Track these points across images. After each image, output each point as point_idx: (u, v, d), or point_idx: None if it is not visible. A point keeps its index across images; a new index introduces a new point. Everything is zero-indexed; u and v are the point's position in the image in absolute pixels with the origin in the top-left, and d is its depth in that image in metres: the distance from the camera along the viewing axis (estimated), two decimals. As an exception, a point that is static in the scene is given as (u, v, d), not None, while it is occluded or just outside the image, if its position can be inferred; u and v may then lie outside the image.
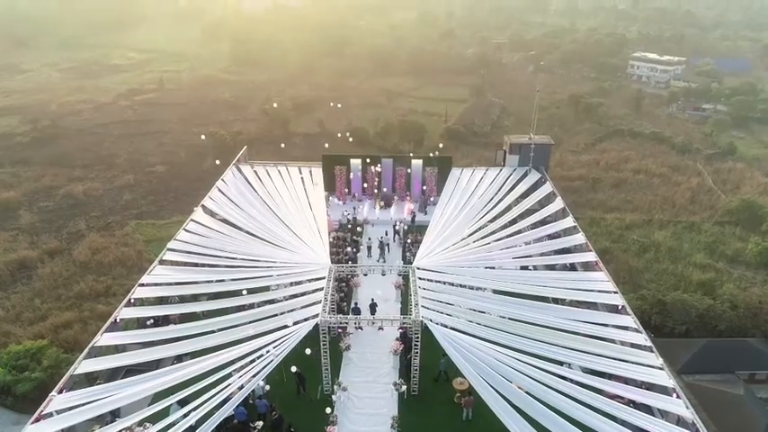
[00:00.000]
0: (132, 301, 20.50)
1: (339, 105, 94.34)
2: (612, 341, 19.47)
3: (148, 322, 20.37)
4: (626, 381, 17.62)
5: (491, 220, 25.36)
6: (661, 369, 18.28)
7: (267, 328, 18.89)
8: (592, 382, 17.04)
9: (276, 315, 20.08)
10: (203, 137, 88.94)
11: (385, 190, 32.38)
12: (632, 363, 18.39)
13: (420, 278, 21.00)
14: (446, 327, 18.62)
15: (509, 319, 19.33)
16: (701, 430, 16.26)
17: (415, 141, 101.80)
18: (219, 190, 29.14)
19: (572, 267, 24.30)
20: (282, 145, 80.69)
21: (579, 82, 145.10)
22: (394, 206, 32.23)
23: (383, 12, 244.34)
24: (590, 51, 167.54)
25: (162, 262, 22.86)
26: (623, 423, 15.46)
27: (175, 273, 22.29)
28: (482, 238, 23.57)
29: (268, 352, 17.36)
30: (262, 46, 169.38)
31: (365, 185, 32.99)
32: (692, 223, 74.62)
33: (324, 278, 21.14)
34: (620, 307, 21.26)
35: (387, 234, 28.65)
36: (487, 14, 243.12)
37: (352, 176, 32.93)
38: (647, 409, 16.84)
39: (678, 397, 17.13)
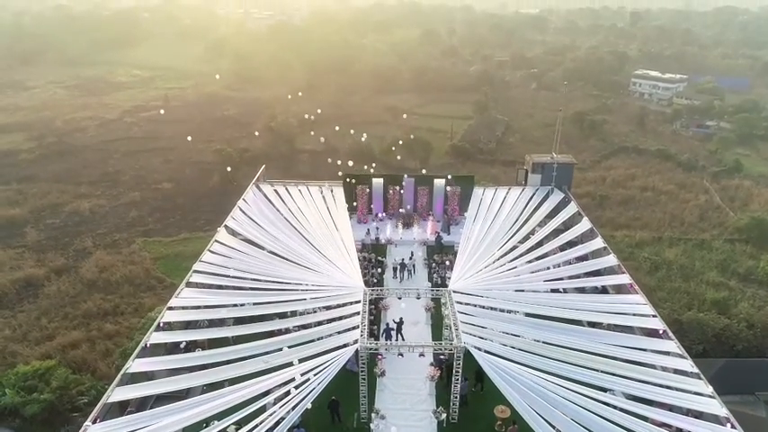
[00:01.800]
0: (161, 325, 20.02)
1: (337, 128, 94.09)
2: (654, 367, 19.00)
3: (182, 345, 19.85)
4: (670, 408, 17.11)
5: (520, 241, 25.06)
6: (712, 398, 17.79)
7: (304, 355, 18.44)
8: (637, 409, 16.57)
9: (314, 341, 19.61)
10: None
11: (405, 209, 32.06)
12: (679, 390, 17.92)
13: (458, 302, 20.60)
14: (489, 353, 18.17)
15: (546, 343, 18.91)
16: None
17: (421, 158, 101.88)
18: (241, 209, 28.81)
19: (603, 290, 23.91)
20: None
21: (582, 99, 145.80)
22: (416, 226, 31.89)
23: (385, 30, 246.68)
24: (592, 69, 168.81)
25: (189, 284, 22.43)
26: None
27: (204, 295, 21.83)
28: (511, 261, 23.19)
29: (309, 380, 16.85)
30: (265, 63, 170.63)
31: (387, 205, 32.70)
32: (703, 241, 74.30)
33: (359, 302, 20.74)
34: (661, 331, 20.83)
35: (412, 256, 28.22)
36: (488, 32, 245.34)
37: (372, 196, 32.68)
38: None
39: (734, 427, 16.59)
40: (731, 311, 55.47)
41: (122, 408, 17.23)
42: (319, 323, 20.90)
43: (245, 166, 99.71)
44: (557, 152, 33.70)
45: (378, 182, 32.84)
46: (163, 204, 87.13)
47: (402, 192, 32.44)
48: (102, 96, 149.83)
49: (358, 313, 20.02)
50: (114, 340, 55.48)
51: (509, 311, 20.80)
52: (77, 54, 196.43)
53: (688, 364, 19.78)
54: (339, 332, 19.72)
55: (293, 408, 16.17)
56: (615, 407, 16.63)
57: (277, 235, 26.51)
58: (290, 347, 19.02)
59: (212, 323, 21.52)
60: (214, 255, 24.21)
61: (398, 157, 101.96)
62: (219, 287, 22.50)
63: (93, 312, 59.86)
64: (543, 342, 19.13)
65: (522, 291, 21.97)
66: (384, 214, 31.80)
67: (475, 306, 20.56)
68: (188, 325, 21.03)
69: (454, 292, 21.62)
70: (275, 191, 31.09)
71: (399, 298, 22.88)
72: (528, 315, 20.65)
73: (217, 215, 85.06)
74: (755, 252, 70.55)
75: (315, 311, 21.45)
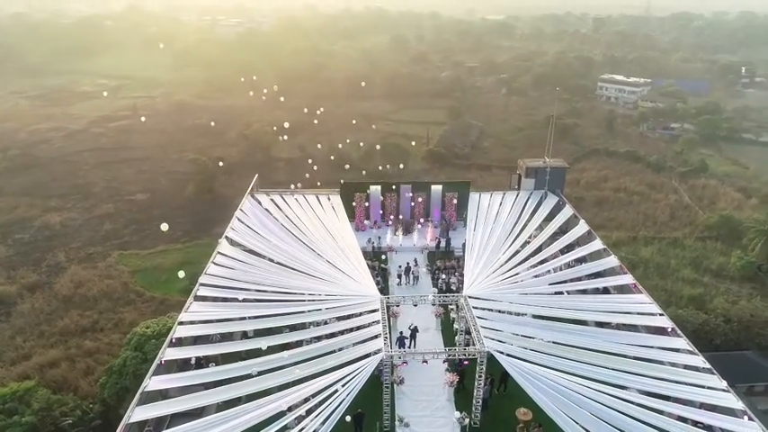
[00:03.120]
0: (173, 341, 19.53)
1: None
2: (665, 363, 19.59)
3: (192, 362, 19.37)
4: (684, 403, 17.66)
5: (522, 246, 25.46)
6: (727, 391, 18.49)
7: (326, 366, 18.23)
8: (655, 405, 17.03)
9: (334, 351, 19.40)
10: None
11: (401, 217, 32.17)
12: (693, 385, 18.55)
13: (474, 307, 20.77)
14: (512, 356, 18.42)
15: (561, 344, 19.27)
16: None
17: (398, 164, 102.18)
18: (239, 220, 28.38)
19: (605, 290, 24.47)
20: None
21: (552, 104, 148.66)
22: (416, 233, 32.04)
23: (354, 36, 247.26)
24: (560, 74, 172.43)
25: (197, 298, 21.93)
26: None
27: (214, 309, 21.36)
28: (516, 265, 23.55)
29: (336, 392, 16.66)
30: (236, 71, 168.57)
31: (383, 212, 32.76)
32: (676, 239, 76.64)
33: (377, 310, 20.68)
34: (669, 329, 21.47)
35: (416, 262, 28.33)
36: (456, 38, 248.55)
37: (370, 204, 32.68)
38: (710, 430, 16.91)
39: (750, 419, 17.27)
40: (707, 307, 57.27)
41: (140, 428, 16.70)
42: (340, 333, 20.72)
43: (221, 175, 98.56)
44: (549, 156, 34.48)
45: (375, 189, 32.93)
46: (138, 216, 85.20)
47: (399, 199, 32.63)
48: (67, 107, 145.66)
49: (378, 322, 19.97)
50: (95, 357, 53.89)
51: (518, 314, 21.08)
52: (39, 63, 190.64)
53: (700, 360, 20.45)
54: (361, 342, 19.64)
55: (325, 420, 15.97)
56: (634, 403, 17.08)
57: (281, 245, 26.17)
58: (311, 359, 18.82)
59: (224, 337, 21.12)
60: (219, 267, 23.74)
61: (380, 168, 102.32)
62: (229, 300, 22.05)
63: (71, 329, 58.08)
64: (558, 343, 19.50)
65: (533, 294, 22.26)
66: (383, 221, 31.79)
67: (491, 311, 20.79)
68: (196, 340, 20.52)
69: (469, 297, 21.80)
70: (272, 200, 30.76)
71: (415, 305, 22.90)
72: (536, 317, 20.98)
73: (195, 226, 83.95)
74: (725, 249, 73.16)
75: (326, 323, 21.25)
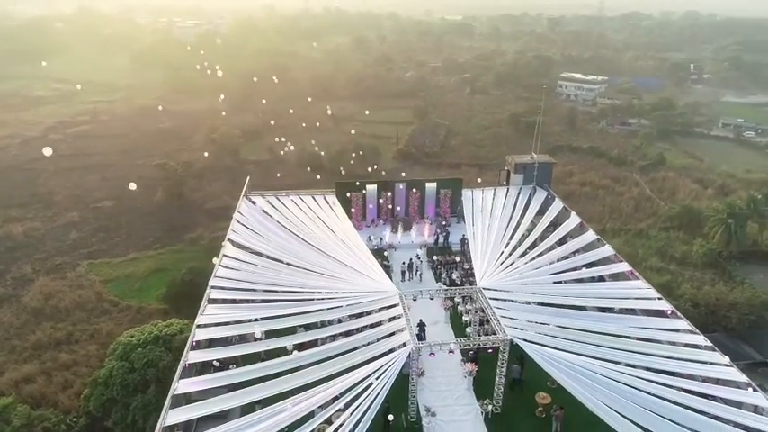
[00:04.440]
0: (194, 344, 19.43)
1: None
2: (668, 342, 20.87)
3: (215, 363, 19.29)
4: (690, 377, 18.94)
5: (520, 240, 26.39)
6: (730, 366, 19.84)
7: (355, 362, 18.50)
8: (664, 380, 18.19)
9: (362, 346, 19.64)
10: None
11: (399, 214, 32.69)
12: (697, 361, 19.87)
13: (491, 298, 21.48)
14: (533, 343, 19.20)
15: (572, 329, 20.27)
16: None
17: (371, 164, 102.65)
18: (239, 222, 28.23)
19: (600, 279, 25.68)
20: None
21: (514, 102, 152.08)
22: (413, 230, 32.61)
23: (315, 37, 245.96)
24: (520, 73, 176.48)
25: (211, 301, 21.79)
26: (710, 416, 16.63)
27: (229, 311, 21.27)
28: (520, 257, 24.45)
29: (371, 385, 16.93)
30: (198, 74, 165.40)
31: (380, 211, 33.23)
32: (641, 230, 79.79)
33: (397, 305, 21.09)
34: (669, 312, 22.76)
35: (419, 257, 28.94)
36: (417, 39, 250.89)
37: (367, 203, 33.07)
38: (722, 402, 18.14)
39: (755, 390, 18.65)
40: (676, 293, 59.92)
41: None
42: (364, 329, 21.02)
43: (190, 179, 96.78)
44: (537, 152, 35.66)
45: (371, 188, 33.37)
46: (106, 224, 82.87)
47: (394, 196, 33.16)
48: (21, 112, 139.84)
49: (400, 316, 20.40)
50: (73, 370, 52.30)
51: (528, 303, 21.93)
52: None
53: (701, 339, 21.79)
54: (386, 336, 19.99)
55: (364, 413, 16.22)
56: (645, 379, 18.13)
57: (287, 245, 26.18)
58: (339, 355, 19.07)
59: (243, 338, 21.11)
60: (228, 269, 23.63)
61: (346, 166, 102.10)
62: (243, 301, 21.99)
63: (45, 343, 56.12)
64: (569, 328, 20.48)
65: (537, 284, 23.15)
66: (379, 220, 32.23)
67: (504, 300, 21.57)
68: (211, 343, 20.32)
69: (484, 288, 22.50)
70: (268, 201, 30.74)
71: (431, 298, 23.54)
72: (543, 305, 21.88)
73: (166, 232, 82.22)
74: (688, 238, 76.63)
75: (349, 318, 21.50)
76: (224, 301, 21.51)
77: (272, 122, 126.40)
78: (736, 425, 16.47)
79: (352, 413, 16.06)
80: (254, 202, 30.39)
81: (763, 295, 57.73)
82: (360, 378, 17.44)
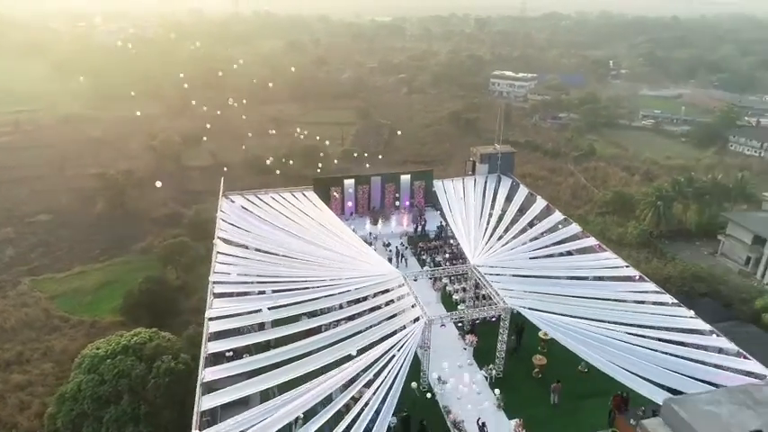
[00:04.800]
0: (210, 336, 19.79)
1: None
2: (643, 302, 23.54)
3: (227, 354, 19.67)
4: (663, 329, 21.69)
5: (496, 223, 28.35)
6: (696, 318, 22.57)
7: (376, 338, 19.57)
8: (643, 333, 20.72)
9: (377, 324, 20.63)
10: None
11: (373, 207, 33.91)
12: (668, 315, 22.53)
13: (486, 274, 23.13)
14: (533, 309, 21.03)
15: (560, 295, 22.40)
16: (743, 353, 20.64)
17: (317, 165, 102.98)
18: (224, 221, 28.38)
19: (569, 253, 28.10)
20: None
21: (451, 100, 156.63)
22: (392, 220, 33.92)
23: (248, 41, 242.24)
24: (454, 72, 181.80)
25: (217, 295, 22.03)
26: (684, 358, 19.15)
27: (237, 304, 21.59)
28: (498, 240, 26.38)
29: (394, 357, 17.93)
30: (127, 80, 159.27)
31: (356, 204, 34.33)
32: (580, 216, 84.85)
33: (403, 285, 22.26)
34: (636, 277, 25.42)
35: (403, 245, 30.25)
36: (351, 41, 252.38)
37: (345, 196, 34.05)
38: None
39: (718, 336, 21.51)
40: (617, 272, 64.55)
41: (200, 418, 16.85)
42: (375, 309, 22.00)
43: (131, 188, 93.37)
44: (499, 143, 38.01)
45: (349, 182, 34.43)
46: (45, 238, 78.84)
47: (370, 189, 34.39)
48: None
49: (408, 294, 21.59)
50: (29, 390, 49.94)
51: (515, 275, 23.82)
52: None
53: (668, 297, 24.55)
54: (396, 315, 21.11)
55: (390, 387, 17.18)
56: (629, 333, 20.47)
57: (279, 239, 26.66)
58: (357, 334, 20.05)
59: (254, 328, 21.56)
60: (225, 265, 23.88)
61: (292, 168, 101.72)
62: (247, 293, 22.35)
63: (-8, 365, 53.09)
64: (559, 295, 22.61)
65: (520, 260, 25.13)
66: (356, 212, 33.30)
67: (497, 275, 23.28)
68: (219, 335, 20.60)
69: (477, 266, 24.14)
70: (248, 200, 31.04)
71: (431, 278, 24.98)
72: (529, 277, 23.87)
73: (112, 243, 79.18)
74: (622, 221, 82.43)
75: (348, 305, 22.39)
76: (229, 294, 21.93)
77: (209, 126, 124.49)
78: (704, 363, 19.11)
79: (379, 386, 17.01)
80: (233, 201, 30.62)
81: (693, 268, 63.18)
82: (381, 353, 18.51)
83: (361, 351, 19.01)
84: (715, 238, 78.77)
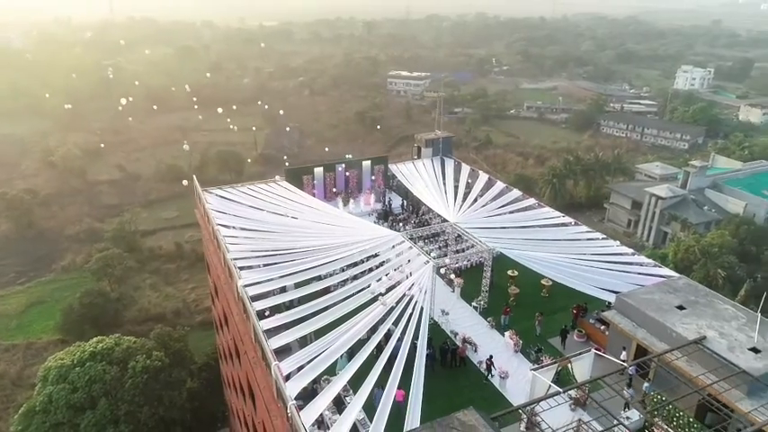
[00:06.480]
0: (251, 296, 22.54)
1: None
2: (579, 239, 30.08)
3: (266, 314, 22.45)
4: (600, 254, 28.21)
5: (454, 193, 33.43)
6: (621, 246, 29.52)
7: (396, 281, 23.52)
8: (591, 258, 27.06)
9: (395, 270, 24.47)
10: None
11: (335, 190, 37.77)
12: (602, 245, 29.36)
13: (465, 229, 28.08)
14: (510, 249, 26.25)
15: (527, 239, 28.09)
16: (657, 264, 27.68)
17: (236, 171, 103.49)
18: (216, 211, 30.39)
19: (518, 211, 34.13)
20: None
21: (354, 101, 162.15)
22: (361, 200, 37.85)
23: (131, 49, 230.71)
24: (352, 74, 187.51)
25: (242, 268, 24.51)
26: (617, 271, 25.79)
27: (262, 273, 24.20)
28: (460, 208, 31.60)
29: (412, 297, 21.79)
30: (4, 95, 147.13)
31: (327, 189, 37.94)
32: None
33: (404, 241, 26.26)
34: (572, 222, 32.01)
35: (375, 221, 34.30)
36: (243, 46, 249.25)
37: (316, 183, 37.35)
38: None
39: (639, 255, 28.65)
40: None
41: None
42: (386, 261, 25.82)
43: (37, 207, 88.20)
44: (440, 129, 43.44)
45: (318, 170, 37.94)
46: (-52, 265, 73.11)
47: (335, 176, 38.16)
48: None
49: (411, 247, 25.70)
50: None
51: (485, 227, 29.04)
52: None
53: (599, 234, 31.33)
54: (409, 260, 25.15)
55: (418, 320, 21.15)
56: (578, 259, 26.67)
57: (275, 219, 29.33)
58: (378, 281, 23.90)
59: (281, 291, 24.41)
60: (236, 245, 26.25)
61: (210, 174, 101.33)
62: (269, 265, 24.98)
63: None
64: (521, 239, 28.27)
65: (484, 219, 30.48)
66: (325, 197, 36.79)
67: (473, 229, 28.29)
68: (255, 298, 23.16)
69: (456, 224, 29.16)
70: (229, 192, 33.28)
71: (420, 237, 29.59)
72: (495, 228, 29.29)
73: (29, 265, 75.11)
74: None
75: (356, 264, 25.95)
76: (250, 267, 24.65)
77: (102, 145, 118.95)
78: (636, 273, 25.86)
79: (408, 320, 20.98)
80: (216, 195, 32.76)
81: (590, 232, 73.25)
82: (402, 293, 22.57)
83: (384, 293, 22.94)
84: (602, 207, 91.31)
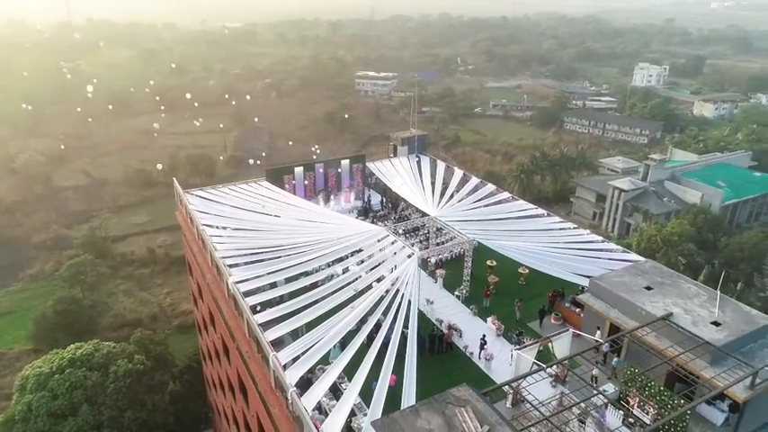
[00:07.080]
0: (245, 291, 23.14)
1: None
2: (553, 229, 31.63)
3: (257, 309, 23.08)
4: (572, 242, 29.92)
5: (432, 191, 34.62)
6: (591, 234, 31.18)
7: (381, 274, 24.41)
8: (565, 243, 28.62)
9: (380, 264, 25.30)
10: None
11: (320, 189, 38.43)
12: (574, 234, 31.00)
13: (446, 222, 29.23)
14: (489, 239, 27.52)
15: (505, 230, 29.45)
16: (625, 249, 29.45)
17: (207, 173, 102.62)
18: (200, 211, 30.71)
19: (494, 204, 35.48)
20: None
21: (322, 101, 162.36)
22: (341, 198, 38.66)
23: (92, 51, 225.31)
24: (320, 75, 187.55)
25: (231, 266, 24.99)
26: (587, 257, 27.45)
27: (251, 271, 24.73)
28: (438, 203, 32.81)
29: (398, 291, 22.67)
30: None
31: (307, 189, 38.58)
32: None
33: (388, 235, 27.18)
34: (545, 214, 33.56)
35: (358, 216, 35.15)
36: (206, 48, 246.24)
37: (296, 183, 37.91)
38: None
39: (609, 242, 30.38)
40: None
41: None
42: (372, 254, 26.68)
43: (0, 215, 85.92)
44: (415, 128, 44.59)
45: (299, 170, 38.53)
46: None
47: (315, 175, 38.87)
48: None
49: (395, 241, 26.65)
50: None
51: (464, 220, 30.32)
52: None
53: (570, 224, 32.99)
54: (395, 253, 26.07)
55: (407, 307, 22.10)
56: (552, 246, 28.30)
57: (259, 218, 29.84)
58: (367, 272, 24.74)
59: (270, 286, 25.00)
60: (224, 244, 26.73)
61: (180, 177, 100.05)
62: (256, 261, 25.56)
63: None
64: (499, 230, 29.66)
65: (462, 213, 31.76)
66: (305, 196, 37.45)
67: (453, 221, 29.47)
68: (247, 293, 23.71)
69: (438, 217, 30.29)
70: (210, 193, 33.61)
71: (404, 230, 30.56)
72: (473, 221, 30.57)
73: (6, 273, 72.86)
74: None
75: (342, 259, 26.76)
76: (237, 265, 25.20)
77: (63, 147, 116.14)
78: (606, 259, 27.61)
79: (399, 303, 22.03)
80: (198, 196, 33.07)
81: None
82: (389, 284, 23.55)
83: (365, 290, 23.89)
84: (568, 201, 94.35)
